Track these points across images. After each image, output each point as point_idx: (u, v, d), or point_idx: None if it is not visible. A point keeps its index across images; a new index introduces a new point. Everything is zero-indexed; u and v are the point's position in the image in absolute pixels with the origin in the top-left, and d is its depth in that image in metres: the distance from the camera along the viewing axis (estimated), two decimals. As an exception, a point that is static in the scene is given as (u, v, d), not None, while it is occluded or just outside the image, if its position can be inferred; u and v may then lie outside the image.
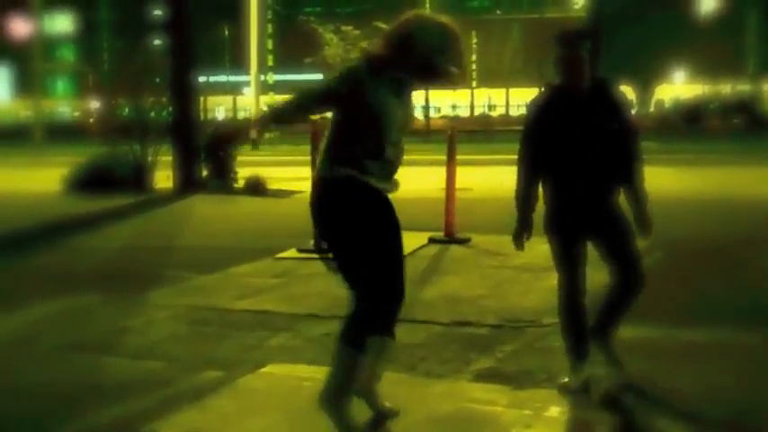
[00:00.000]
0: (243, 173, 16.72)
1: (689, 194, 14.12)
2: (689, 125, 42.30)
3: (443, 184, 10.20)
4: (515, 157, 4.60)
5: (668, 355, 4.96)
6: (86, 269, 8.62)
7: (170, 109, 17.65)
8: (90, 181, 16.18)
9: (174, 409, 4.44)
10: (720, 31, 55.63)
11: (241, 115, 56.99)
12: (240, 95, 60.83)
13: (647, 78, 64.38)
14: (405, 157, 4.01)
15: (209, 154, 16.83)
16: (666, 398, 4.50)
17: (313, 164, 9.36)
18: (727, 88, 57.29)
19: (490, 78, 65.46)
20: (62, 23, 70.93)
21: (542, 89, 4.70)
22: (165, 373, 5.07)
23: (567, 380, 4.63)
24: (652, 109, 63.34)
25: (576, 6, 64.01)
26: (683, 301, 6.60)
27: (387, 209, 3.94)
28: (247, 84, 44.89)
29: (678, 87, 65.81)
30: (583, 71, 4.46)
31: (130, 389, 4.78)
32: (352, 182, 3.85)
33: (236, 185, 16.52)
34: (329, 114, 4.00)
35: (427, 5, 61.95)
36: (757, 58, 58.87)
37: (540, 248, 5.07)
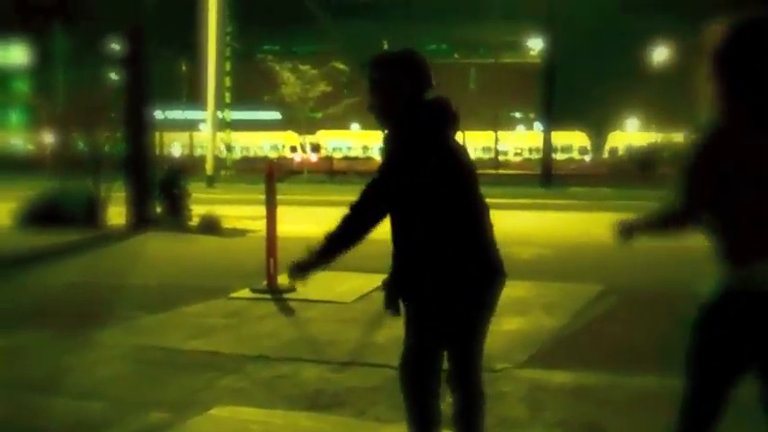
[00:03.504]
0: (197, 210, 16.59)
1: (644, 240, 14.24)
2: (643, 172, 42.83)
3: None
4: None
5: (618, 403, 4.95)
6: (32, 306, 8.46)
7: (124, 144, 17.50)
8: (41, 216, 15.89)
9: (117, 452, 4.35)
10: (673, 80, 56.70)
11: (197, 152, 56.58)
12: (197, 132, 60.61)
13: (600, 125, 65.31)
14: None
15: (163, 190, 16.72)
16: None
17: (269, 203, 9.34)
18: (680, 137, 58.26)
19: (447, 121, 66.11)
20: (16, 55, 70.34)
21: None
22: (109, 415, 4.96)
23: None
24: (606, 155, 64.24)
25: (532, 53, 64.99)
26: (635, 346, 6.63)
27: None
28: (204, 120, 44.75)
29: (631, 135, 66.83)
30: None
31: (73, 430, 4.67)
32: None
33: (190, 223, 16.36)
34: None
35: (385, 47, 62.65)
36: (709, 108, 59.90)
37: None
